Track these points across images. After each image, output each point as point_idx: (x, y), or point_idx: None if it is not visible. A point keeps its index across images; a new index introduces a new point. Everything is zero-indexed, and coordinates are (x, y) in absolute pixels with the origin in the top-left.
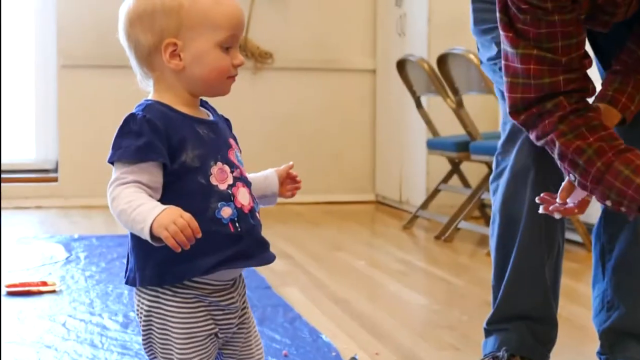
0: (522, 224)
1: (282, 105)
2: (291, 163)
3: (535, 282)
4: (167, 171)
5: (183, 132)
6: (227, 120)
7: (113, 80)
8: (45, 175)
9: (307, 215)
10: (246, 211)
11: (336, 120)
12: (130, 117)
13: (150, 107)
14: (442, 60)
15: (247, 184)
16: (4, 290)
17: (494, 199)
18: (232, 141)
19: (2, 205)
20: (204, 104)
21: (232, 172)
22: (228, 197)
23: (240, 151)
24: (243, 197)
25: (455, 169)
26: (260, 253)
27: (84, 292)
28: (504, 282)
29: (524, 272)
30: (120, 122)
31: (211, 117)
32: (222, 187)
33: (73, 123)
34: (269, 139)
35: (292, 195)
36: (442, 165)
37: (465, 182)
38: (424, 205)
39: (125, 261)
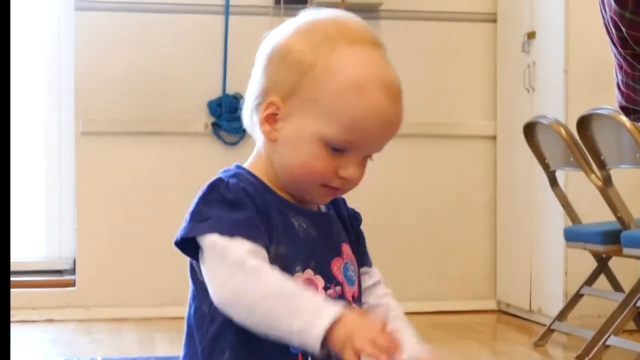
0: None
1: (376, 181)
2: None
3: None
4: None
5: (275, 220)
6: (353, 216)
7: (147, 151)
8: (58, 278)
9: None
10: None
11: (445, 201)
12: (219, 182)
13: (243, 177)
14: (584, 123)
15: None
16: None
17: None
18: (345, 247)
19: None
20: None
21: (326, 288)
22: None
23: (358, 265)
24: None
25: (603, 266)
26: None
27: None
28: None
29: None
30: (203, 189)
31: (321, 207)
32: None
33: (95, 208)
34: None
35: None
36: (585, 262)
37: (615, 285)
38: (562, 316)
39: None
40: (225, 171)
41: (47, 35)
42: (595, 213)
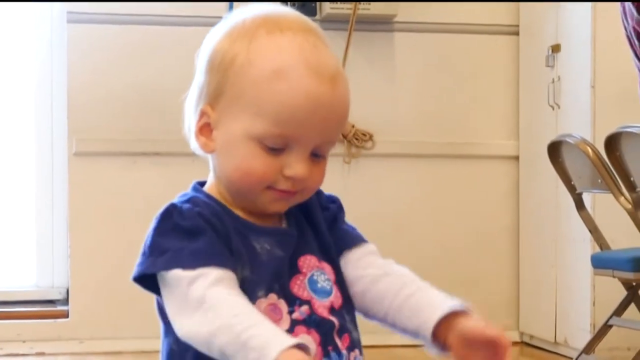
0: None
1: (384, 205)
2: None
3: None
4: None
5: (236, 244)
6: (326, 206)
7: (144, 172)
8: (50, 308)
9: None
10: None
11: (464, 226)
12: (172, 209)
13: (198, 200)
14: (613, 142)
15: (323, 326)
16: None
17: None
18: (304, 260)
19: None
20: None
21: (291, 312)
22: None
23: (336, 270)
24: None
25: (633, 295)
26: None
27: None
28: None
29: None
30: (155, 217)
31: (283, 223)
32: None
33: (90, 234)
34: None
35: None
36: (614, 290)
37: None
38: (589, 348)
39: None
40: (181, 195)
41: (38, 49)
42: (625, 238)
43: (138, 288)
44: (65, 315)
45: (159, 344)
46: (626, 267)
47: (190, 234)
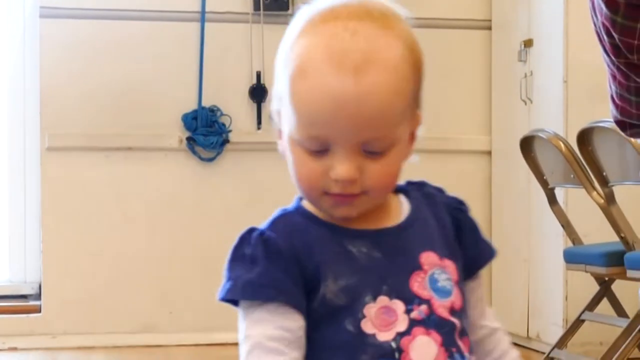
0: None
1: None
2: None
3: None
4: (309, 312)
5: (323, 255)
6: (455, 207)
7: (118, 168)
8: (23, 303)
9: None
10: None
11: None
12: (246, 234)
13: (280, 220)
14: (585, 137)
15: (443, 326)
16: None
17: None
18: (426, 256)
19: None
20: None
21: (408, 311)
22: (391, 354)
23: (456, 267)
24: (423, 352)
25: (605, 290)
26: None
27: None
28: None
29: None
30: (236, 240)
31: (398, 220)
32: (384, 336)
33: (63, 229)
34: None
35: None
36: (586, 285)
37: (619, 310)
38: (562, 343)
39: None
40: (278, 211)
41: (10, 44)
42: (598, 233)
43: (110, 284)
44: (38, 310)
45: (131, 339)
46: (598, 261)
47: (249, 262)
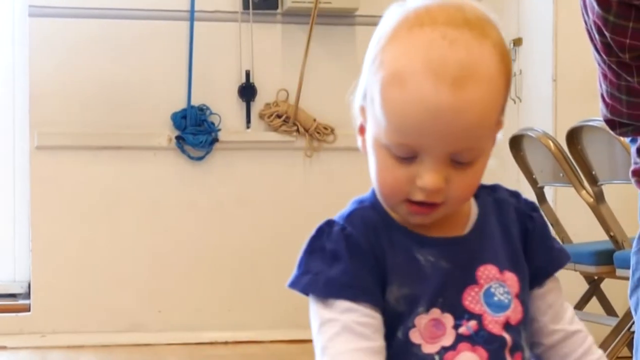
0: None
1: (346, 199)
2: None
3: None
4: None
5: (392, 259)
6: (526, 214)
7: (107, 166)
8: (12, 302)
9: None
10: None
11: None
12: (326, 227)
13: (358, 214)
14: (575, 136)
15: (492, 343)
16: None
17: (636, 319)
18: (484, 269)
19: None
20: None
21: (457, 326)
22: None
23: (522, 282)
24: None
25: (595, 289)
26: None
27: None
28: None
29: None
30: (313, 231)
31: (466, 228)
32: (429, 349)
33: (52, 228)
34: None
35: None
36: (575, 284)
37: (608, 308)
38: None
39: None
40: (352, 202)
41: (0, 43)
42: (587, 232)
43: (99, 283)
44: (27, 309)
45: (120, 338)
46: (588, 260)
47: (332, 258)
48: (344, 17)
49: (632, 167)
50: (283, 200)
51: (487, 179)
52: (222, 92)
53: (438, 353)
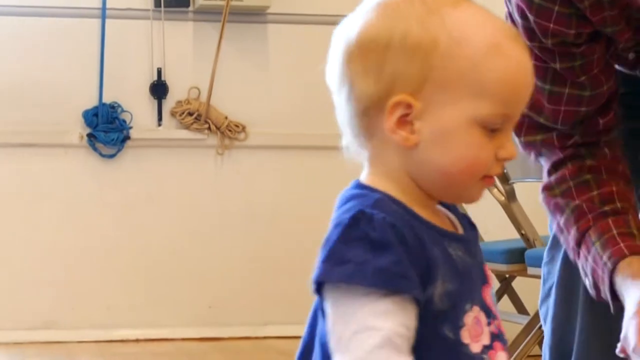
0: None
1: (257, 196)
2: None
3: None
4: None
5: (433, 252)
6: (473, 228)
7: (17, 164)
8: None
9: (294, 356)
10: None
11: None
12: (362, 215)
13: (386, 204)
14: None
15: (506, 347)
16: None
17: (545, 330)
18: (488, 270)
19: None
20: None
21: (489, 324)
22: None
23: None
24: None
25: (506, 287)
26: None
27: None
28: None
29: None
30: (340, 221)
31: (459, 229)
32: (475, 348)
33: None
34: (241, 243)
35: None
36: None
37: (520, 307)
38: None
39: None
40: (359, 196)
41: None
42: (498, 230)
43: (12, 280)
44: None
45: (32, 335)
46: (499, 259)
47: (378, 247)
48: (256, 15)
49: (544, 182)
50: (195, 198)
51: None
52: (133, 90)
53: (482, 352)
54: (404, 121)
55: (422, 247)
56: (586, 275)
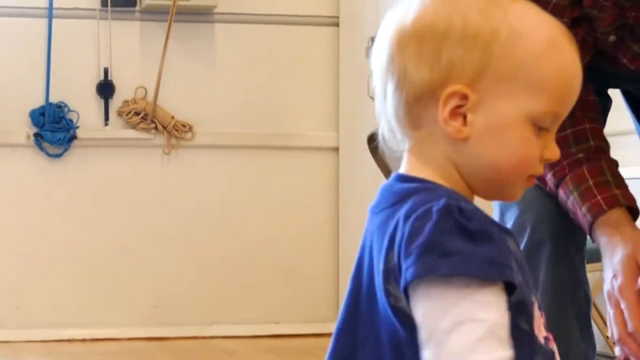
0: None
1: (204, 196)
2: None
3: None
4: None
5: (507, 242)
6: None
7: None
8: None
9: (241, 356)
10: None
11: (283, 218)
12: (453, 207)
13: (458, 195)
14: None
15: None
16: None
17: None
18: None
19: None
20: None
21: (541, 315)
22: (551, 357)
23: None
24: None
25: None
26: None
27: None
28: None
29: None
30: (429, 214)
31: None
32: (541, 340)
33: None
34: (187, 245)
35: None
36: None
37: None
38: None
39: None
40: (423, 189)
41: None
42: None
43: None
44: None
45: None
46: None
47: (477, 238)
48: (203, 15)
49: None
50: (141, 197)
51: (345, 176)
52: (80, 89)
53: (545, 342)
54: (457, 112)
55: (505, 239)
56: (567, 210)
